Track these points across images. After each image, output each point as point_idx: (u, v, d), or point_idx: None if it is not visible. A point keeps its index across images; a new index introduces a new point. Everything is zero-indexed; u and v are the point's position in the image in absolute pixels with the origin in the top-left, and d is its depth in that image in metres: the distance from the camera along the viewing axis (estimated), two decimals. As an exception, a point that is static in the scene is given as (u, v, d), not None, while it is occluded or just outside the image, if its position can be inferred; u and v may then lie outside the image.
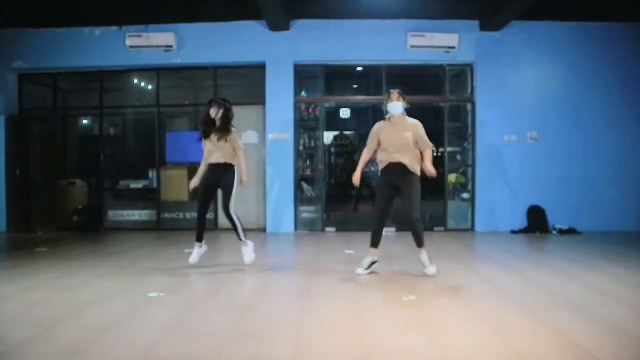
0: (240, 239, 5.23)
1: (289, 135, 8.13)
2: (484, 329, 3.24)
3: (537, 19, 7.98)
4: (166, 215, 8.49)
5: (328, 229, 8.20)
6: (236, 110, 8.23)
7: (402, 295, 4.04)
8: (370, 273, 4.88)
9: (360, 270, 4.84)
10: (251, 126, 8.39)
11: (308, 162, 8.46)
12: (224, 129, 5.12)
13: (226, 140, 5.10)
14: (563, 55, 8.15)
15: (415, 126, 4.75)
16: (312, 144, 8.43)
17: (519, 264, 5.43)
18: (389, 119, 4.80)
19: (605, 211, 8.01)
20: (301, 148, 8.40)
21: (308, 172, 8.45)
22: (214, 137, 5.12)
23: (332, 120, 8.91)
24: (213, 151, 5.14)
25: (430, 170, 4.71)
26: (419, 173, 4.74)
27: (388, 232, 8.07)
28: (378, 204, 4.89)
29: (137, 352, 2.86)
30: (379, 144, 4.80)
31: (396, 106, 4.70)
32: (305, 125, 8.49)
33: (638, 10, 7.68)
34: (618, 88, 8.11)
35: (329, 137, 9.20)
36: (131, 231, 8.24)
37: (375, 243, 4.89)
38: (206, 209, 5.30)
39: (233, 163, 5.17)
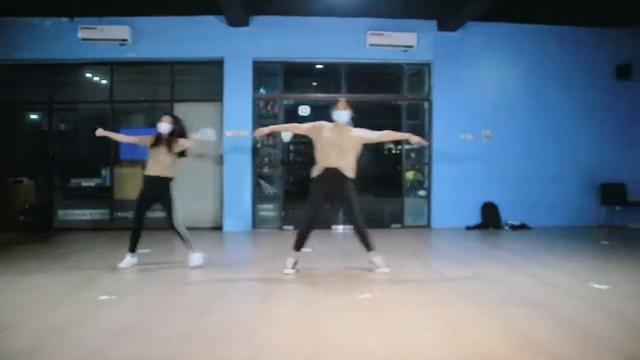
0: (189, 248, 5.18)
1: (247, 133, 8.05)
2: (438, 325, 3.31)
3: (493, 21, 8.20)
4: (120, 214, 8.24)
5: (286, 227, 8.17)
6: (194, 107, 8.26)
7: (358, 293, 4.07)
8: (327, 271, 4.91)
9: (287, 270, 4.84)
10: (209, 123, 8.21)
11: (266, 159, 8.40)
12: (171, 143, 5.08)
13: (169, 153, 5.05)
14: (517, 56, 8.43)
15: (359, 131, 4.90)
16: (271, 142, 8.37)
17: (472, 259, 5.57)
18: (335, 124, 4.87)
19: (554, 207, 8.36)
20: (259, 145, 8.33)
21: (266, 170, 8.39)
22: (159, 149, 5.08)
23: (291, 118, 8.83)
24: (152, 163, 5.10)
25: (415, 139, 5.02)
26: (352, 177, 4.86)
27: (345, 228, 8.16)
28: (310, 208, 4.91)
29: (88, 355, 2.77)
30: (318, 146, 4.86)
31: (342, 114, 4.82)
32: (263, 122, 8.34)
33: (590, 15, 8.05)
34: (567, 88, 8.46)
35: (287, 134, 9.13)
36: (83, 231, 7.96)
37: (299, 246, 4.92)
38: (142, 221, 5.20)
39: (170, 176, 5.15)
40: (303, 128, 5.02)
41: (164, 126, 5.09)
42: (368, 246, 4.92)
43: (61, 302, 3.88)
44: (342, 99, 4.97)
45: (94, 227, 8.14)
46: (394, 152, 9.52)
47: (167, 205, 5.12)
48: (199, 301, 3.91)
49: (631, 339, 3.04)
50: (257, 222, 8.18)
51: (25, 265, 5.28)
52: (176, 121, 5.18)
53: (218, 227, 8.11)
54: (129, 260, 5.16)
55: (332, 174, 4.77)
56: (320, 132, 4.84)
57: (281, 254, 6.02)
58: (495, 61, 8.43)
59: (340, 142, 4.78)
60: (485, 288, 4.31)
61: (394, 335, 3.11)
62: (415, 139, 5.03)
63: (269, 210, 8.29)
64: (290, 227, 8.16)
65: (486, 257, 5.72)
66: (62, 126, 8.87)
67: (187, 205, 7.93)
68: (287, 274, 4.81)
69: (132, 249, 5.18)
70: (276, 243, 6.88)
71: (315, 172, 4.87)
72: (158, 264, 5.35)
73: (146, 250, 6.07)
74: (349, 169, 4.82)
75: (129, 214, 8.18)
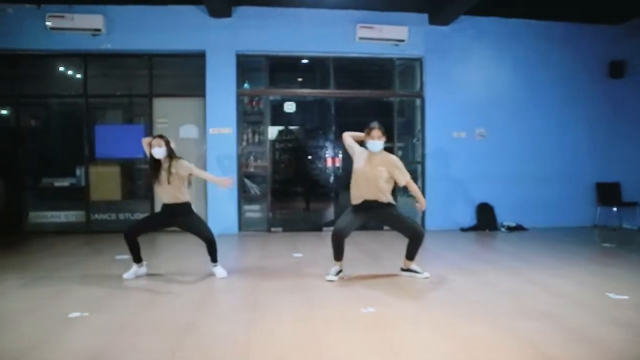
0: (215, 260, 4.80)
1: (231, 130, 7.62)
2: (450, 343, 2.97)
3: (484, 15, 7.94)
4: (96, 216, 7.74)
5: (274, 229, 7.77)
6: (174, 103, 7.80)
7: (360, 306, 3.70)
8: (322, 279, 4.55)
9: (330, 277, 4.58)
10: (190, 120, 7.81)
11: (252, 158, 7.98)
12: (170, 166, 4.61)
13: (172, 176, 4.59)
14: (509, 51, 8.19)
15: (391, 162, 4.55)
16: (256, 139, 7.97)
17: (474, 265, 5.26)
18: (367, 152, 4.56)
19: (549, 207, 8.16)
20: (244, 143, 7.91)
21: (252, 169, 7.97)
22: (162, 177, 4.60)
23: (277, 115, 8.47)
24: (163, 192, 4.65)
25: (421, 203, 4.63)
26: (391, 200, 4.61)
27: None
28: (346, 220, 4.59)
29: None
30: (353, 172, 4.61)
31: (376, 144, 4.49)
32: (248, 119, 8.00)
33: (582, 11, 7.81)
34: (560, 86, 8.25)
35: (273, 132, 8.75)
36: (56, 234, 7.44)
37: (338, 256, 4.65)
38: (139, 235, 4.72)
39: (187, 200, 4.71)
40: (354, 145, 4.70)
41: (158, 151, 4.58)
42: (414, 255, 4.69)
43: (24, 321, 3.43)
44: (375, 125, 4.48)
45: (68, 231, 7.62)
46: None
47: (197, 225, 4.74)
48: (181, 318, 3.49)
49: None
50: (243, 224, 7.75)
51: (-13, 275, 4.80)
52: (168, 142, 4.66)
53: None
54: (135, 270, 4.74)
55: (370, 204, 4.51)
56: (357, 158, 4.59)
57: (270, 259, 5.66)
58: (485, 57, 8.18)
59: (371, 171, 4.48)
60: (493, 298, 3.98)
61: (404, 356, 2.75)
62: (420, 206, 4.68)
63: (255, 211, 7.88)
64: (279, 229, 7.77)
65: (488, 263, 5.41)
66: (32, 122, 8.31)
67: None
68: (330, 280, 4.53)
69: (138, 260, 4.75)
70: (264, 247, 6.49)
71: (352, 200, 4.60)
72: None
73: (124, 257, 5.63)
74: (383, 195, 4.53)
75: (107, 216, 7.74)
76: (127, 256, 5.61)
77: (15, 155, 7.75)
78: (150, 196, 7.66)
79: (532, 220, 7.99)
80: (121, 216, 7.75)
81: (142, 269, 4.80)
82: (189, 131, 7.82)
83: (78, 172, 7.84)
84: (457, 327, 3.26)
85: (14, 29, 7.25)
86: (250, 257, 5.96)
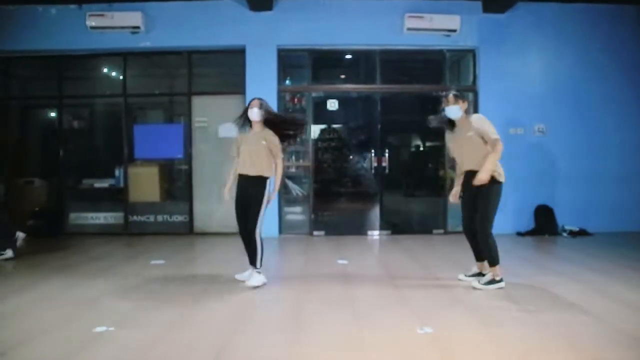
0: (256, 266, 4.38)
1: (271, 128, 7.28)
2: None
3: (544, 0, 7.30)
4: (135, 218, 7.57)
5: (316, 233, 7.38)
6: (213, 101, 7.53)
7: (416, 325, 3.24)
8: (371, 290, 4.12)
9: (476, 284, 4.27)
10: (229, 118, 7.41)
11: (293, 158, 7.63)
12: (264, 133, 4.38)
13: (260, 144, 4.33)
14: (571, 40, 7.48)
15: (477, 121, 4.18)
16: (298, 139, 7.57)
17: (541, 276, 4.68)
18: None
19: (617, 210, 7.39)
20: (285, 142, 7.53)
21: (293, 170, 7.61)
22: (249, 144, 4.34)
23: (320, 112, 8.08)
24: (245, 161, 4.33)
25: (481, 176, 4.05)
26: (494, 178, 4.16)
27: (382, 234, 7.36)
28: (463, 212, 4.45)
29: None
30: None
31: (452, 110, 4.22)
32: (289, 117, 7.63)
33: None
34: (630, 76, 7.49)
35: (315, 130, 8.37)
36: (95, 236, 7.32)
37: (480, 256, 4.37)
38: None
39: (266, 175, 4.37)
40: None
41: (256, 112, 4.34)
42: (489, 260, 4.29)
43: (45, 335, 3.16)
44: (449, 92, 4.26)
45: (108, 232, 7.49)
46: (430, 145, 8.63)
47: (255, 207, 4.34)
48: (216, 335, 3.13)
49: None
50: (284, 227, 7.39)
51: (18, 280, 4.63)
52: (268, 110, 4.43)
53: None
54: (260, 275, 4.40)
55: (471, 176, 4.19)
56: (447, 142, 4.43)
57: (312, 266, 5.27)
58: (545, 46, 7.48)
59: (462, 141, 4.24)
60: (572, 320, 3.41)
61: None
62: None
63: (296, 213, 7.51)
64: (321, 233, 7.36)
65: (555, 273, 4.81)
66: (74, 123, 8.25)
67: (210, 209, 7.31)
68: (500, 287, 4.19)
69: (253, 262, 4.41)
70: (306, 252, 6.10)
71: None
72: (172, 280, 4.62)
73: (160, 262, 5.39)
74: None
75: (145, 218, 7.57)
76: (162, 261, 5.40)
77: (57, 156, 7.69)
78: (189, 198, 7.45)
79: (596, 224, 7.26)
80: (159, 218, 7.56)
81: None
82: (228, 130, 7.52)
83: (117, 172, 7.72)
84: (534, 357, 2.75)
85: (56, 30, 7.16)
86: (292, 263, 5.59)
